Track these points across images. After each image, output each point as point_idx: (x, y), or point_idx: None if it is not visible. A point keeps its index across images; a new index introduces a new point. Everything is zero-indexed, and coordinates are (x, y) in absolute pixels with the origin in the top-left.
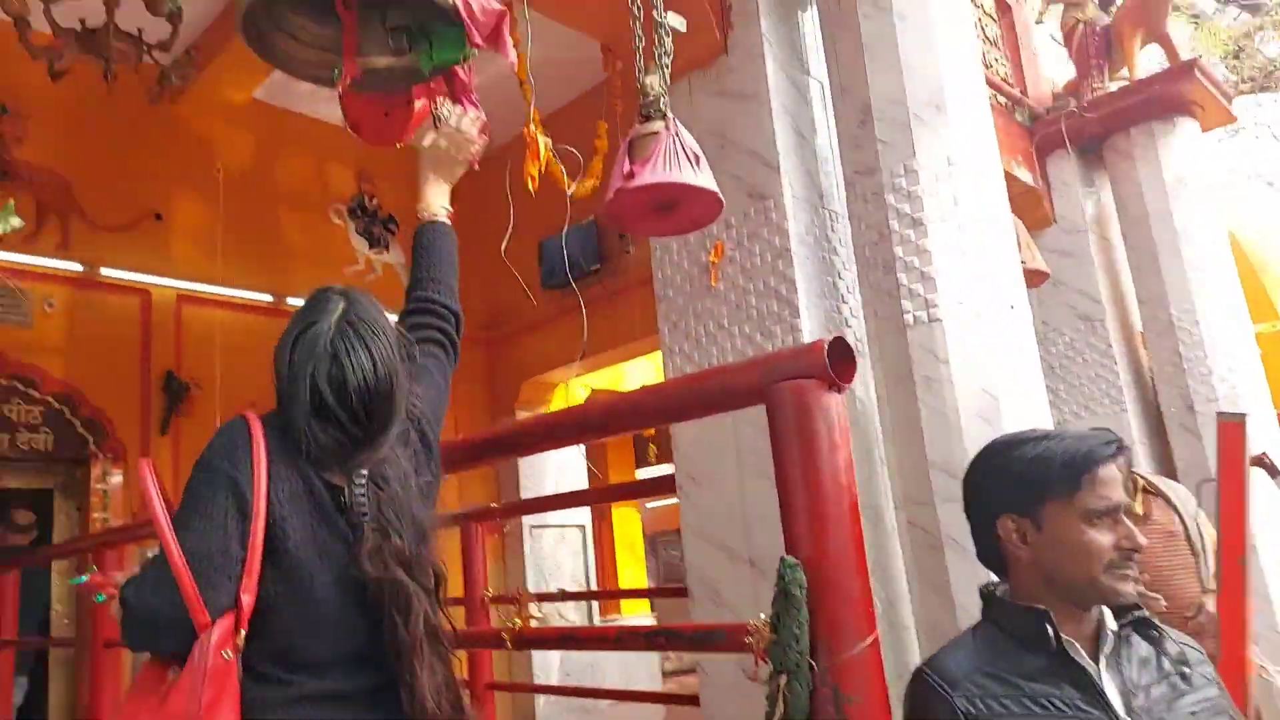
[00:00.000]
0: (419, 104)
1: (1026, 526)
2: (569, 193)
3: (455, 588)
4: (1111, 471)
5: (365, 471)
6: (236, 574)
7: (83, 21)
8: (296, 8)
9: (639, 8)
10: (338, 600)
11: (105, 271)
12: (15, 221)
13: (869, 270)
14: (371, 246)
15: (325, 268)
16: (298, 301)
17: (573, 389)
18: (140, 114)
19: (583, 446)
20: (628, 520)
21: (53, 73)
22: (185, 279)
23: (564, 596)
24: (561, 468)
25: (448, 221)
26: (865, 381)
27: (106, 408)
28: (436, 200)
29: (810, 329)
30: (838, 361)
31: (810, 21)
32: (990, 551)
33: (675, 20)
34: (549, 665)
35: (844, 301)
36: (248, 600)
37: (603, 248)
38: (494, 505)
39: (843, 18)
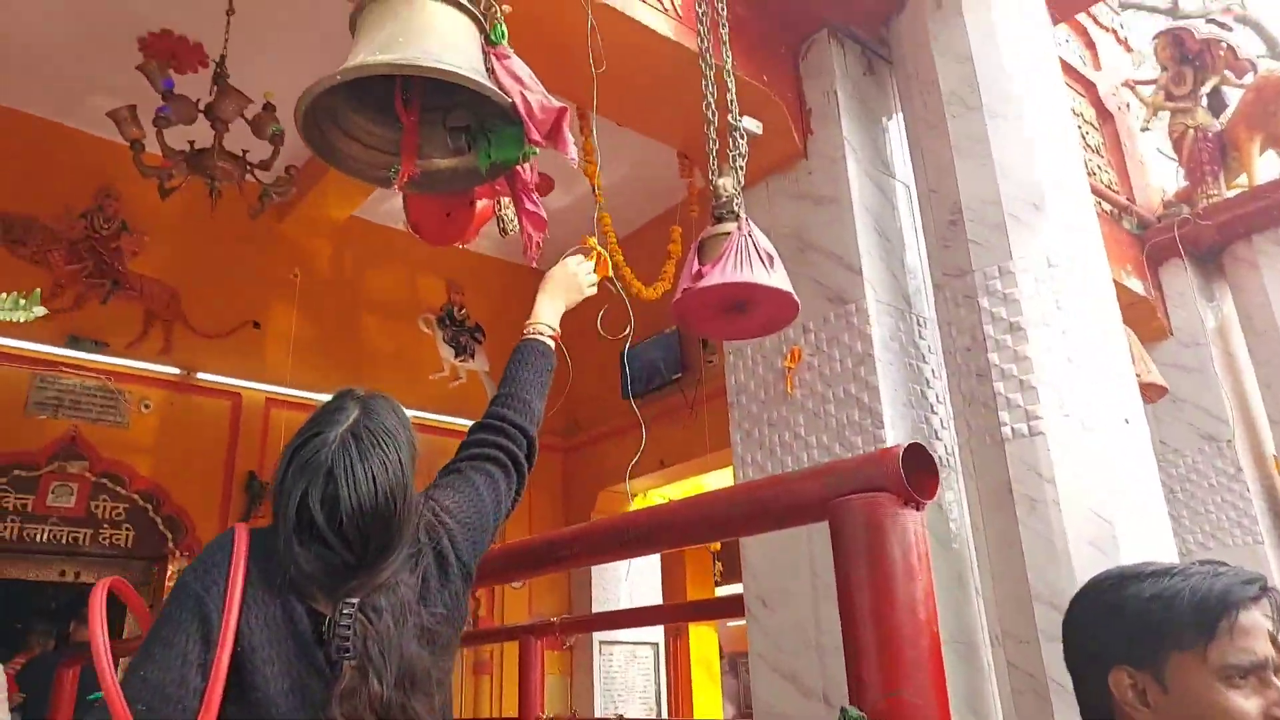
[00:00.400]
0: (481, 204)
1: (1147, 683)
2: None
3: (510, 706)
4: (1255, 618)
5: (355, 601)
6: (193, 708)
7: (191, 143)
8: (358, 109)
9: (713, 112)
10: None
11: (201, 375)
12: (38, 310)
13: (961, 378)
14: (458, 354)
15: (411, 374)
16: None
17: (650, 500)
18: (246, 229)
19: (657, 557)
20: (704, 638)
21: (163, 191)
22: (275, 383)
23: None
24: (636, 580)
25: (550, 343)
26: (958, 499)
27: (188, 506)
28: (545, 318)
29: (895, 439)
30: (916, 472)
31: (894, 123)
32: (1099, 711)
33: (750, 123)
34: None
35: (933, 412)
36: None
37: (685, 356)
38: (554, 619)
39: (929, 117)
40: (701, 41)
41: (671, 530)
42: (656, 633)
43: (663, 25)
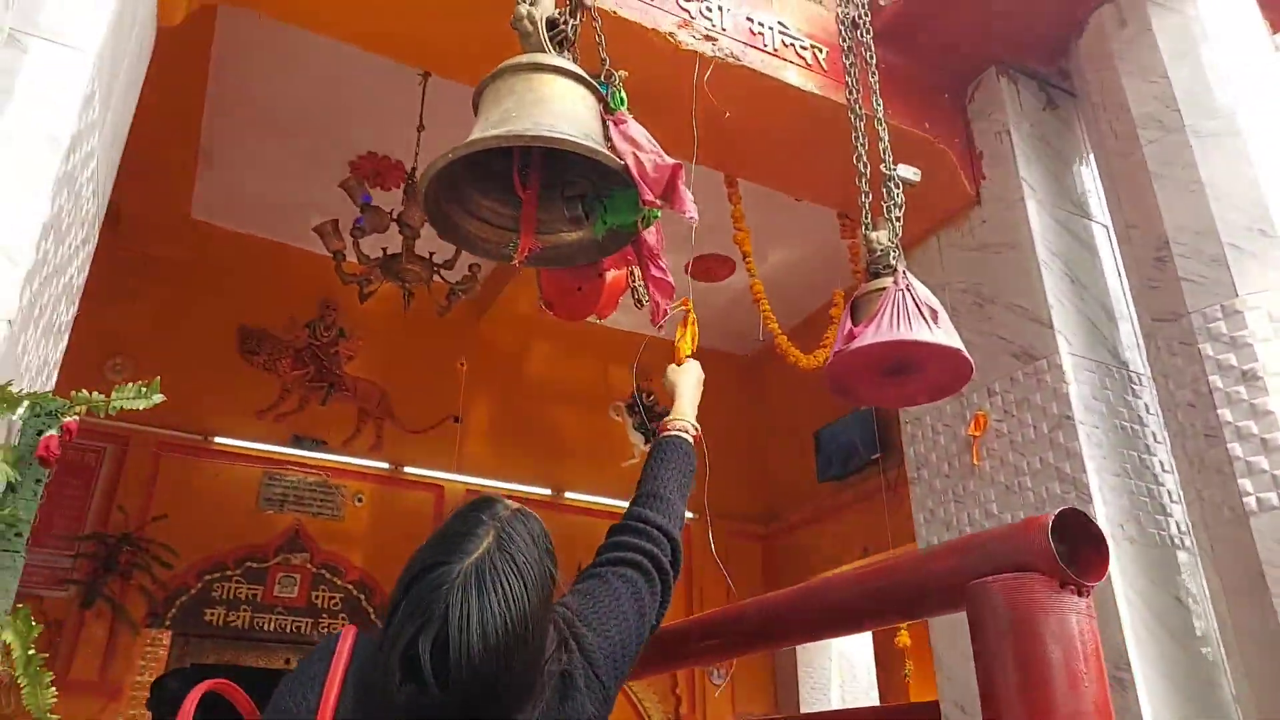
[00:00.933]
0: (611, 275)
1: None
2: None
3: None
4: None
5: None
6: None
7: (384, 250)
8: (481, 188)
9: (864, 164)
10: None
11: (408, 469)
12: (157, 397)
13: (1185, 440)
14: (648, 441)
15: (603, 462)
16: (576, 495)
17: None
18: (445, 328)
19: (869, 650)
20: None
21: (362, 295)
22: (474, 474)
23: None
24: (849, 673)
25: (690, 440)
26: (1198, 586)
27: None
28: (686, 414)
29: (1109, 515)
30: (1076, 546)
31: (1085, 159)
32: None
33: (906, 171)
34: None
35: (1158, 482)
36: None
37: (884, 434)
38: None
39: (1121, 146)
40: (850, 92)
41: (787, 624)
42: None
43: (808, 82)
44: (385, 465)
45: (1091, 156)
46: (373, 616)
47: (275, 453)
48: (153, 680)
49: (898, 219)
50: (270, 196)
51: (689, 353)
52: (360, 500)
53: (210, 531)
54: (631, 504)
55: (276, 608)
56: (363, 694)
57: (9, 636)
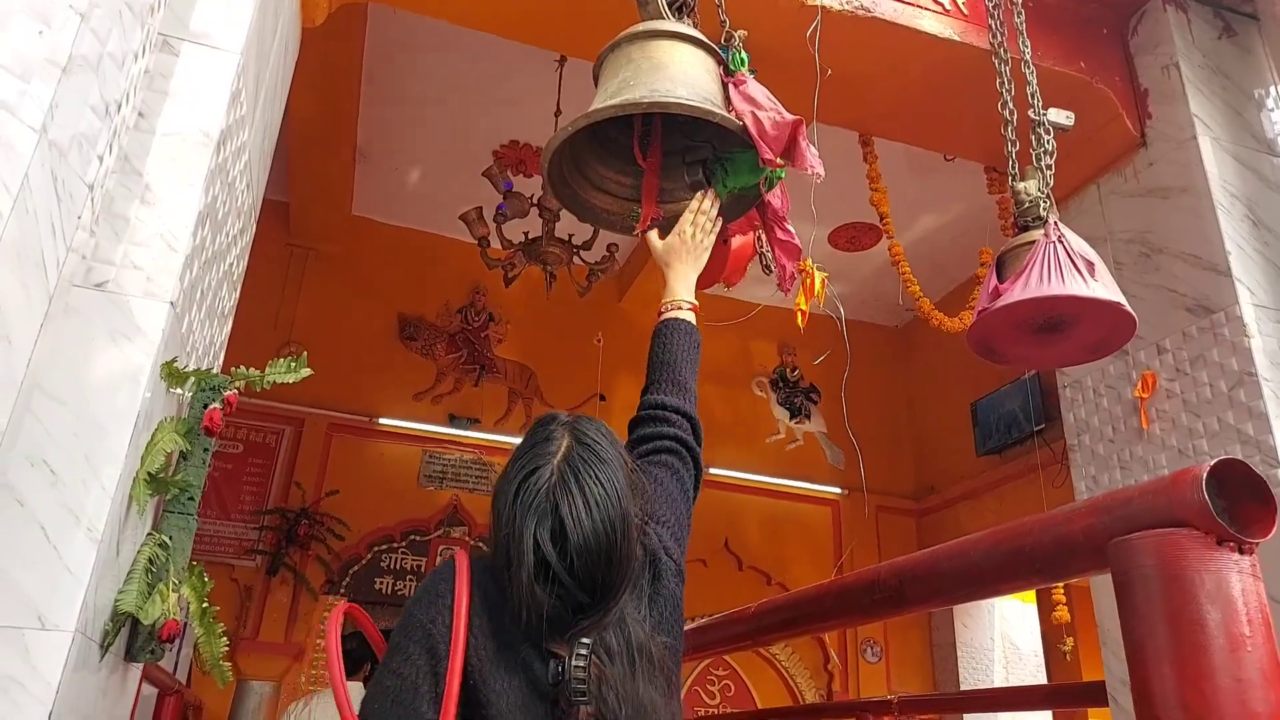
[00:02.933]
0: (736, 242)
1: None
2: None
3: None
4: None
5: (589, 642)
6: None
7: (525, 234)
8: (604, 160)
9: (1010, 110)
10: None
11: None
12: (304, 371)
13: None
14: (793, 417)
15: (749, 439)
16: (720, 471)
17: None
18: (588, 309)
19: (1035, 630)
20: None
21: (506, 280)
22: None
23: None
24: (1013, 654)
25: (691, 318)
26: None
27: None
28: (681, 293)
29: None
30: (1238, 500)
31: (1266, 87)
32: None
33: (1058, 115)
34: None
35: None
36: None
37: (1047, 405)
38: (891, 698)
39: None
40: (993, 35)
41: (923, 587)
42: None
43: (946, 28)
44: None
45: (1279, 85)
46: None
47: (433, 432)
48: None
49: (1049, 167)
50: (421, 189)
51: (806, 309)
52: None
53: (377, 506)
54: (644, 392)
55: None
56: (485, 604)
57: (186, 591)
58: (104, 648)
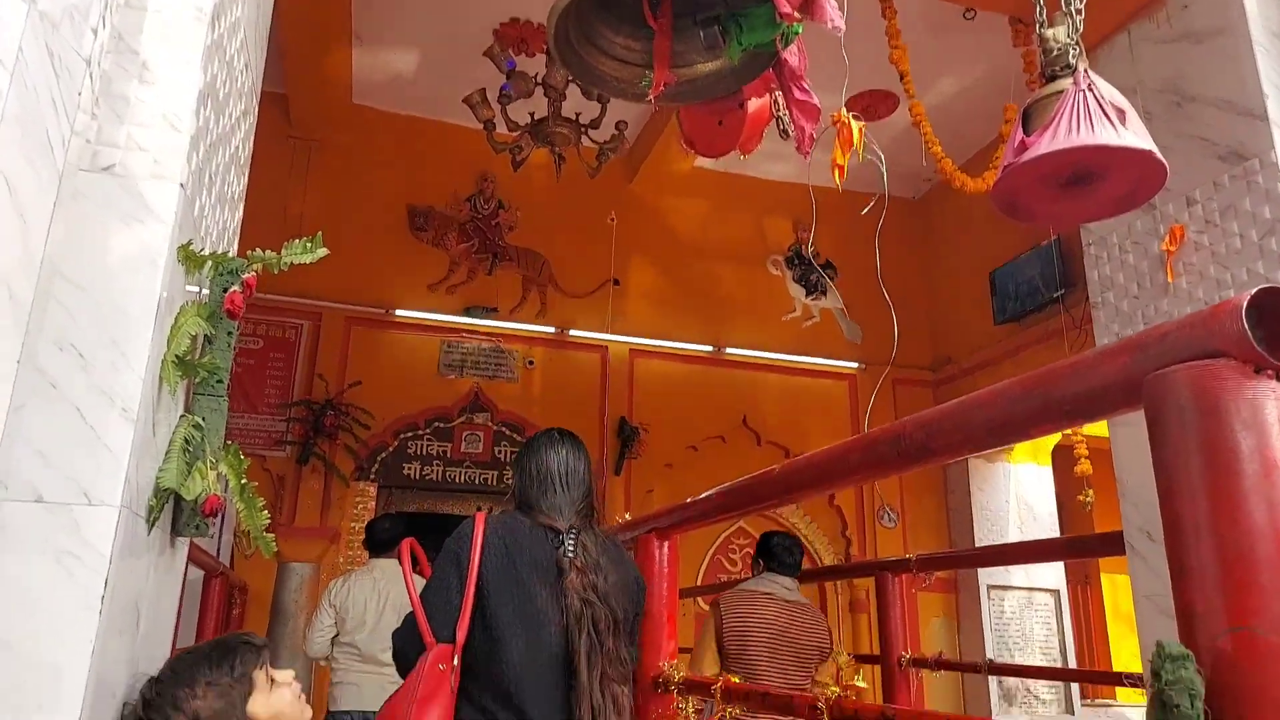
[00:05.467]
0: (753, 106)
1: None
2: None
3: (873, 645)
4: None
5: (576, 528)
6: (454, 618)
7: (531, 114)
8: (614, 26)
9: None
10: (534, 641)
11: (573, 332)
12: (320, 251)
13: None
14: (809, 294)
15: (764, 318)
16: (736, 351)
17: (1034, 445)
18: (599, 192)
19: (1049, 491)
20: (1125, 589)
21: (514, 164)
22: (636, 334)
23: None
24: (1027, 515)
25: None
26: None
27: None
28: None
29: None
30: (1275, 329)
31: None
32: None
33: None
34: None
35: None
36: (460, 635)
37: (1068, 269)
38: (910, 556)
39: None
40: None
41: (949, 438)
42: (1056, 578)
43: None
44: (551, 329)
45: None
46: None
47: (450, 322)
48: (366, 523)
49: (1078, 11)
50: (423, 73)
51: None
52: (531, 363)
53: (400, 396)
54: None
55: (465, 462)
56: (497, 537)
57: (224, 468)
58: (150, 523)
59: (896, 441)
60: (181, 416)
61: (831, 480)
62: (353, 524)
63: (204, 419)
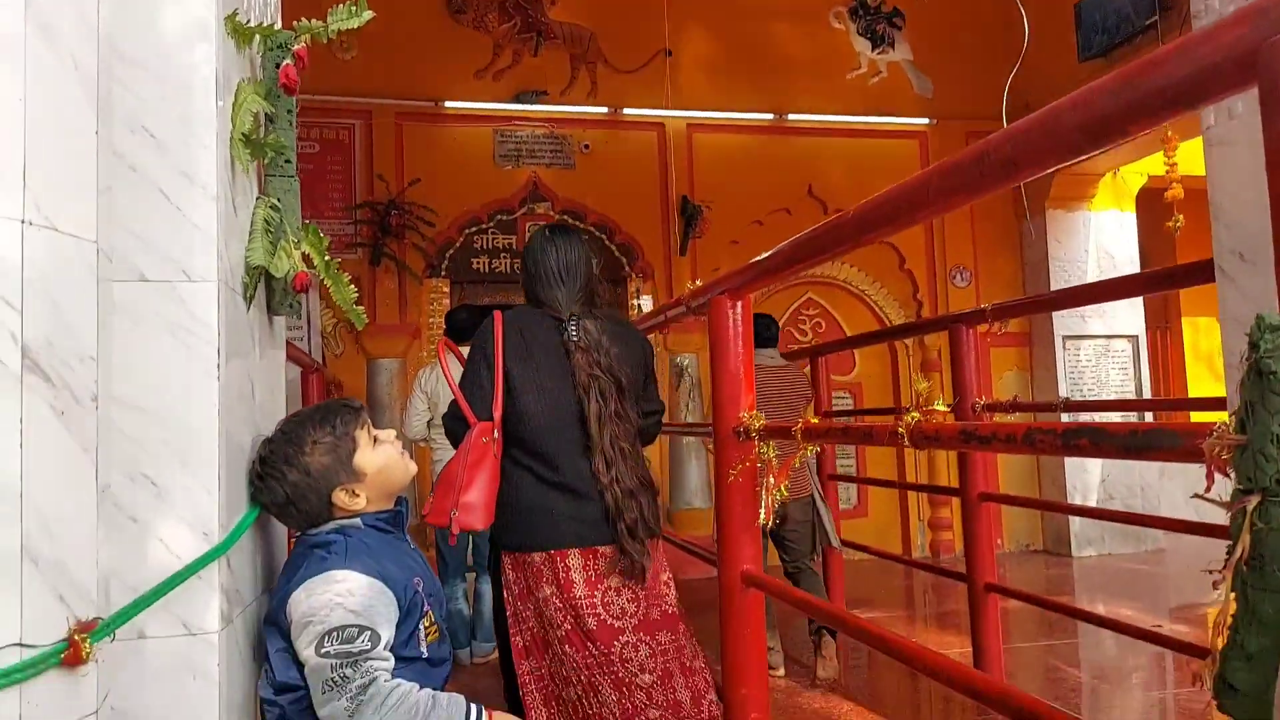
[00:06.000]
0: None
1: None
2: None
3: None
4: None
5: (577, 314)
6: (489, 398)
7: None
8: None
9: None
10: (552, 408)
11: (626, 111)
12: (366, 14)
13: None
14: (875, 47)
15: (828, 77)
16: (799, 116)
17: (1123, 179)
18: None
19: (1134, 247)
20: (1206, 332)
21: None
22: (692, 108)
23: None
24: (1107, 263)
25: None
26: None
27: (636, 233)
28: None
29: None
30: None
31: None
32: None
33: None
34: (1088, 485)
35: None
36: (497, 414)
37: None
38: (985, 306)
39: None
40: None
41: (1039, 149)
42: (1135, 323)
43: None
44: (604, 110)
45: None
46: (616, 254)
47: (501, 110)
48: (446, 313)
49: None
50: None
51: None
52: (587, 147)
53: (460, 191)
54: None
55: None
56: (514, 329)
57: (306, 247)
58: (248, 300)
59: (980, 160)
60: (258, 198)
61: (911, 213)
62: (430, 319)
63: (279, 200)
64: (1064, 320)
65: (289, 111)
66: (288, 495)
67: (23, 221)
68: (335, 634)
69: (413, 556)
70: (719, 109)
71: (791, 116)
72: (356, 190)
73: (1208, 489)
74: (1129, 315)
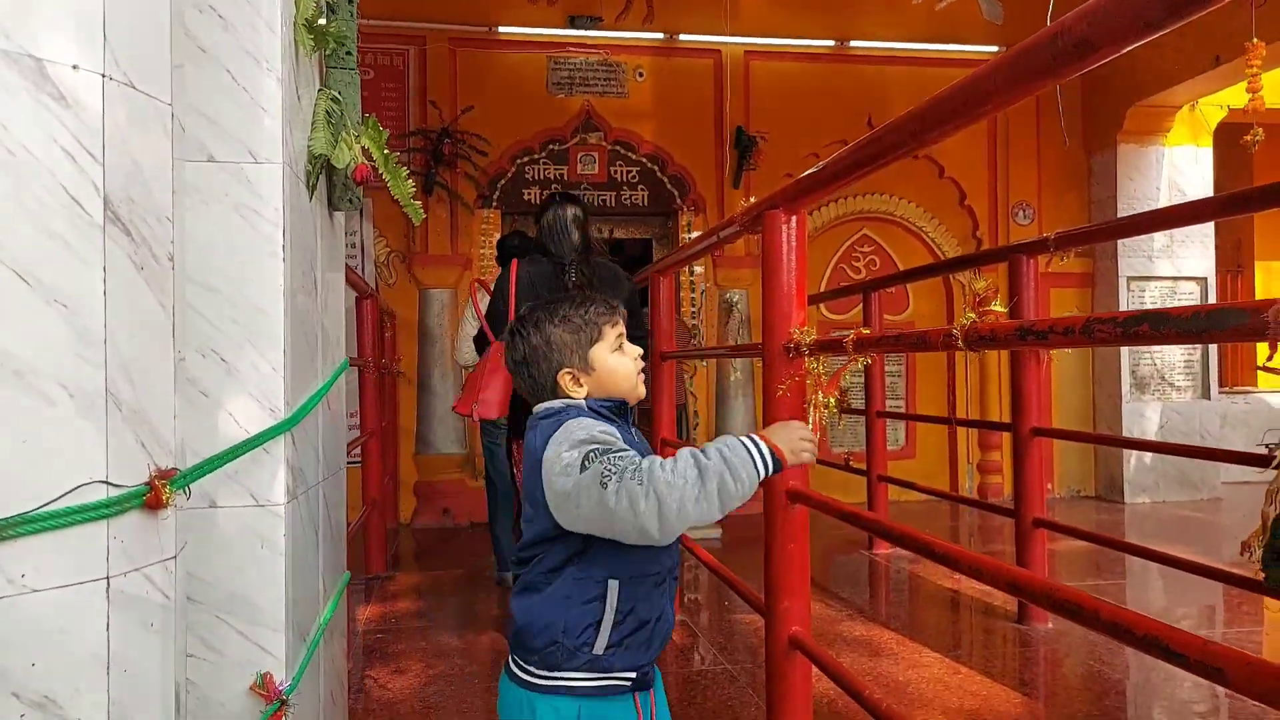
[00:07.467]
0: None
1: None
2: None
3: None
4: None
5: (574, 262)
6: (505, 321)
7: None
8: None
9: None
10: None
11: (683, 37)
12: None
13: None
14: None
15: (891, 3)
16: (862, 44)
17: (1201, 112)
18: None
19: (1208, 165)
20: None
21: None
22: (751, 34)
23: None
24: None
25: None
26: None
27: (689, 165)
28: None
29: None
30: None
31: None
32: None
33: None
34: (1145, 432)
35: None
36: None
37: None
38: (1047, 236)
39: None
40: None
41: (1116, 18)
42: (1205, 265)
43: None
44: (660, 36)
45: None
46: (668, 186)
47: (555, 36)
48: (498, 240)
49: None
50: None
51: None
52: (641, 75)
53: (513, 119)
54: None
55: (582, 184)
56: (527, 271)
57: (366, 141)
58: (310, 188)
59: (1053, 42)
60: (320, 90)
61: (979, 106)
62: (481, 250)
63: (340, 93)
64: (1129, 261)
65: (350, 2)
66: (525, 356)
67: (103, 76)
68: (589, 445)
69: (635, 439)
70: (778, 35)
71: (854, 44)
72: (410, 118)
73: (1270, 358)
74: (1199, 257)
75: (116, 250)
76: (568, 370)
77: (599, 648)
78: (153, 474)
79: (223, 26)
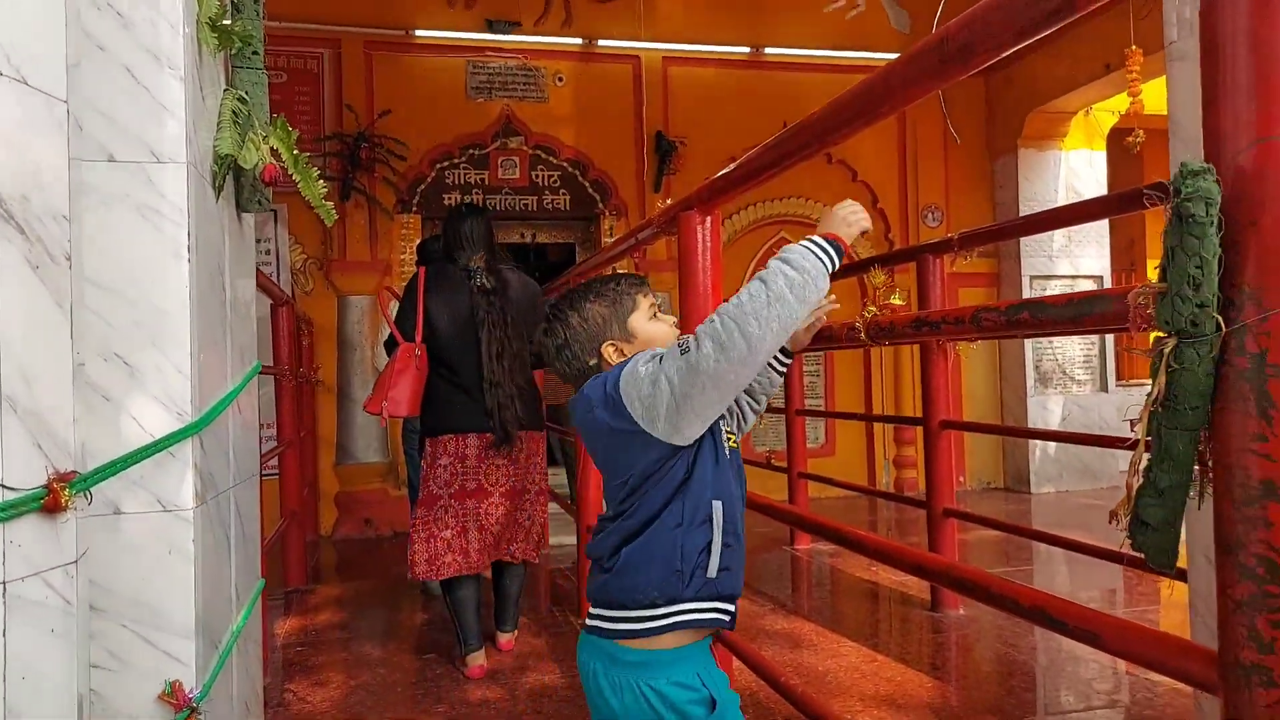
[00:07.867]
0: None
1: None
2: None
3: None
4: None
5: (479, 268)
6: (413, 325)
7: None
8: None
9: None
10: (458, 332)
11: (601, 43)
12: None
13: None
14: None
15: (805, 11)
16: (776, 50)
17: (1095, 118)
18: None
19: (1102, 168)
20: None
21: None
22: (668, 40)
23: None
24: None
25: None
26: None
27: (610, 170)
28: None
29: None
30: None
31: None
32: None
33: None
34: (1049, 424)
35: None
36: (418, 336)
37: None
38: (951, 236)
39: None
40: None
41: (994, 28)
42: (1100, 265)
43: None
44: (579, 41)
45: None
46: (589, 190)
47: (473, 40)
48: (417, 244)
49: None
50: None
51: None
52: (561, 80)
53: (431, 123)
54: None
55: (503, 189)
56: (434, 280)
57: (275, 141)
58: (216, 189)
59: (940, 47)
60: (226, 90)
61: (876, 107)
62: (401, 255)
63: (247, 93)
64: (1031, 261)
65: (255, 1)
66: (566, 338)
67: None
68: (659, 354)
69: None
70: (695, 41)
71: (769, 50)
72: (326, 121)
73: (1131, 342)
74: (1095, 256)
75: (10, 249)
76: (610, 342)
77: (712, 570)
78: (51, 477)
79: (122, 24)
